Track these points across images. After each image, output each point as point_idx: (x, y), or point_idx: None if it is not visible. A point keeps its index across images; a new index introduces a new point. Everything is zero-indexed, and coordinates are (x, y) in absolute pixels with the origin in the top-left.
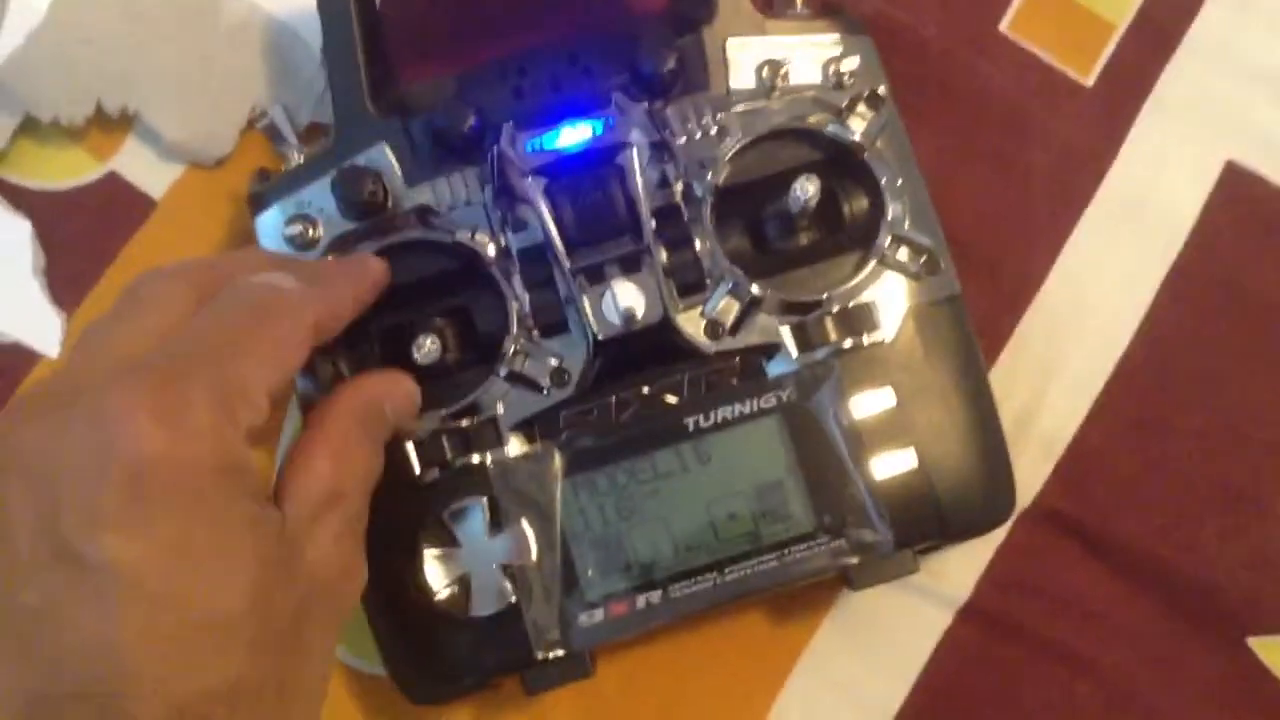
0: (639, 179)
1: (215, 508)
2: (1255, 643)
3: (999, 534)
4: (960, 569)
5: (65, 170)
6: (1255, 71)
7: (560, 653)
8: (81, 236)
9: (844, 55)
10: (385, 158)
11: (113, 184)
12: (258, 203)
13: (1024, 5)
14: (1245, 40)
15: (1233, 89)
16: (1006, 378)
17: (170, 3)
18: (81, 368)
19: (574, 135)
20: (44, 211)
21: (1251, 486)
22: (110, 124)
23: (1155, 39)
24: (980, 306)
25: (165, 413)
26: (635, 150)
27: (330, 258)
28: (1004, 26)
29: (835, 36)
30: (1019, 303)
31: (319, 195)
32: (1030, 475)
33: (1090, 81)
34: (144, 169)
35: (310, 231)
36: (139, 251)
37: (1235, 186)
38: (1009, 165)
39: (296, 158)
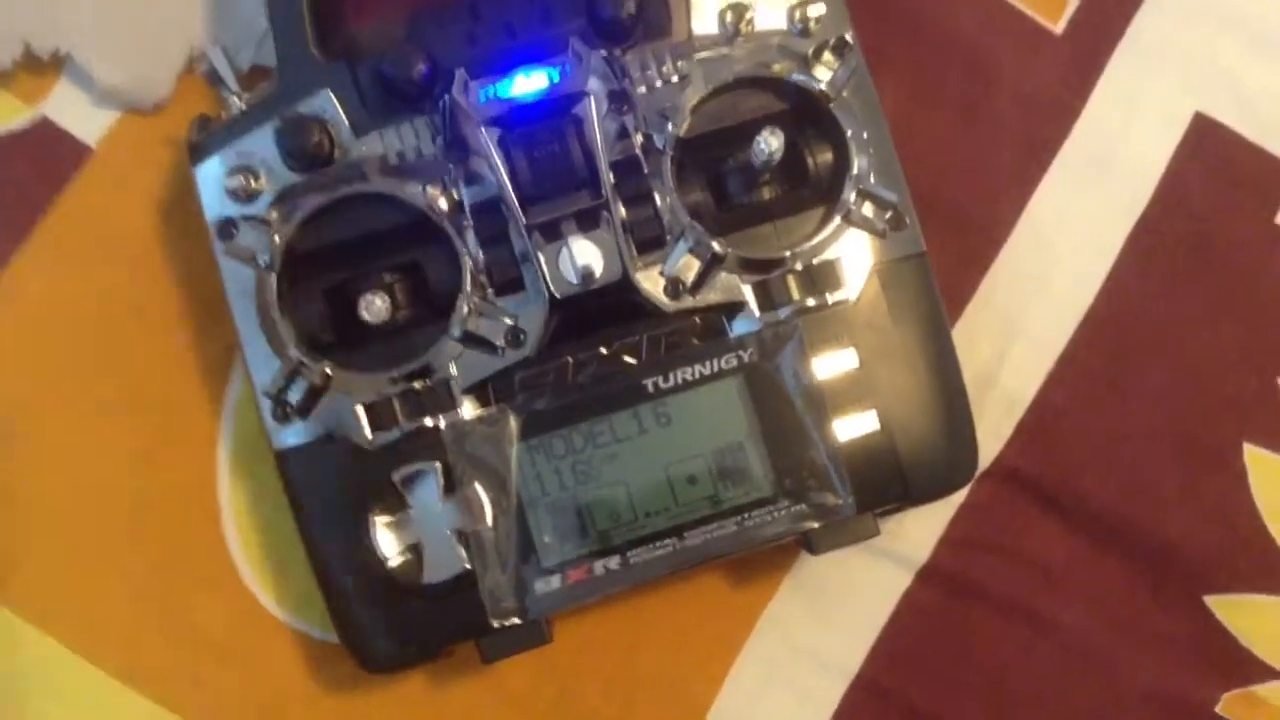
0: (597, 130)
1: None
2: (1212, 601)
3: (959, 494)
4: (920, 529)
5: None
6: (1226, 19)
7: (516, 620)
8: (11, 185)
9: (810, 0)
10: (331, 105)
11: (44, 130)
12: (198, 152)
13: None
14: None
15: (1203, 38)
16: (969, 335)
17: None
18: None
19: (529, 83)
20: None
21: (1213, 442)
22: (40, 66)
23: None
24: (943, 261)
25: None
26: (593, 100)
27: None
28: None
29: None
30: (983, 257)
31: (261, 145)
32: (991, 434)
33: (1059, 28)
34: (77, 114)
35: (252, 183)
36: (74, 201)
37: (1203, 139)
38: (974, 114)
39: (238, 104)
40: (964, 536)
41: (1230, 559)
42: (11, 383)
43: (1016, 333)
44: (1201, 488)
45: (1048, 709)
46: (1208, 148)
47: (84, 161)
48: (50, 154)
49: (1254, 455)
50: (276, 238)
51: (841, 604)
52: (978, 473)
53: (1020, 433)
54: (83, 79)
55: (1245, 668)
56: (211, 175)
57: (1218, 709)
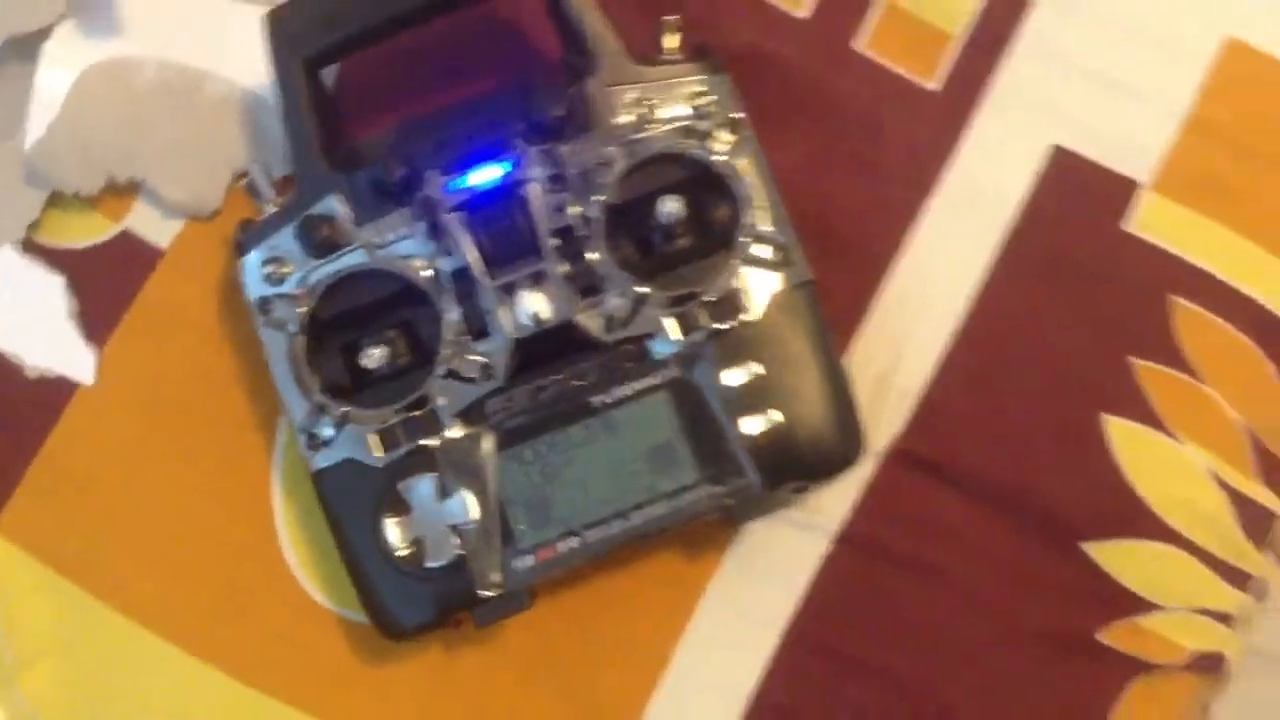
0: (539, 209)
1: None
2: (1089, 547)
3: (866, 473)
4: (835, 504)
5: (88, 232)
6: (1078, 65)
7: (499, 591)
8: (106, 284)
9: (707, 92)
10: (338, 205)
11: (127, 240)
12: (241, 249)
13: (874, 25)
14: (1069, 39)
15: (1059, 83)
16: (869, 343)
17: (162, 88)
18: None
19: (485, 175)
20: (73, 266)
21: (1077, 415)
22: (121, 191)
23: (989, 43)
24: (842, 284)
25: None
26: (535, 185)
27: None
28: (858, 45)
29: (700, 77)
30: (876, 280)
31: (287, 240)
32: (890, 423)
33: (934, 85)
34: (151, 225)
35: (282, 269)
36: (153, 292)
37: (1060, 166)
38: (866, 164)
39: (270, 209)
40: (872, 509)
41: (1101, 510)
42: (111, 438)
43: (906, 340)
44: (1071, 454)
45: (949, 649)
46: (1064, 173)
47: (158, 261)
48: (132, 258)
49: (1112, 423)
50: (302, 309)
51: (773, 569)
52: (880, 454)
53: (914, 422)
54: (153, 197)
55: (1124, 602)
56: (252, 265)
57: (1103, 639)
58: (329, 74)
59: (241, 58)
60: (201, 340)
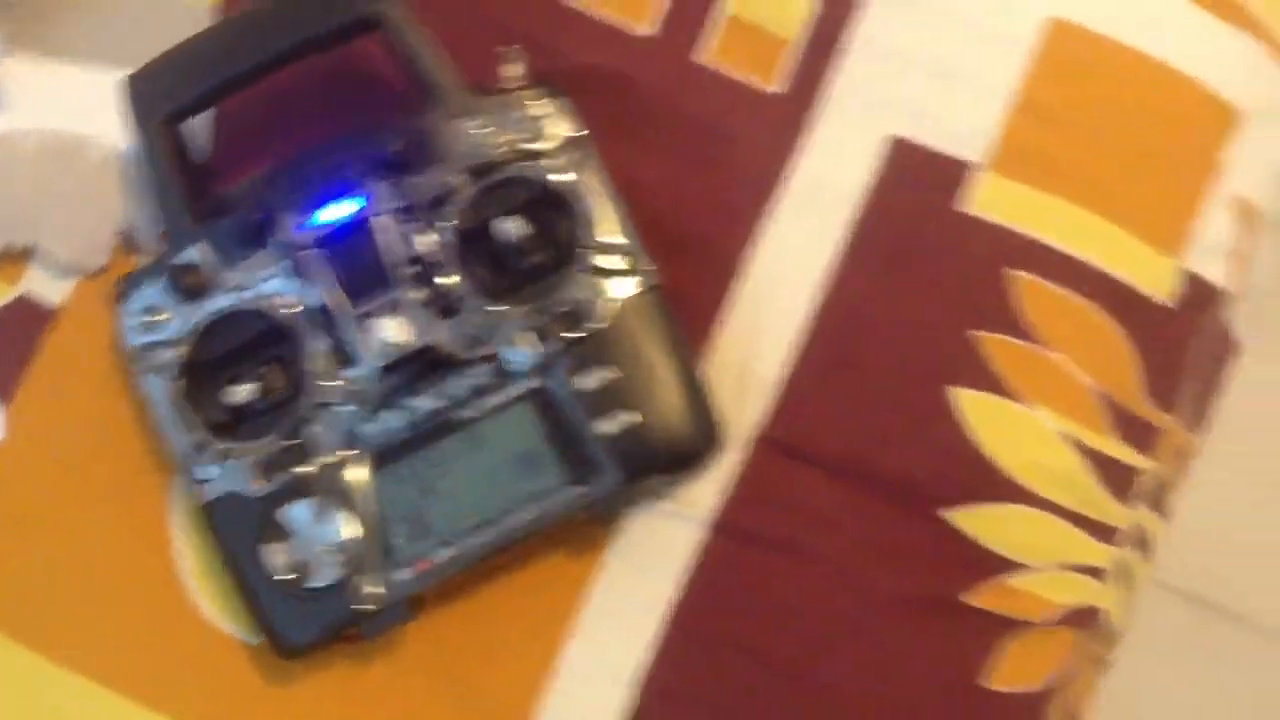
0: (389, 241)
1: None
2: (948, 514)
3: (734, 461)
4: (707, 493)
5: None
6: (910, 58)
7: (381, 605)
8: (9, 344)
9: (547, 115)
10: (205, 252)
11: (24, 302)
12: (120, 299)
13: (714, 37)
14: (900, 33)
15: (894, 76)
16: (727, 338)
17: (47, 156)
18: None
19: (336, 212)
20: None
21: (927, 390)
22: (15, 257)
23: (823, 44)
24: (700, 284)
25: None
26: (382, 218)
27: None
28: (700, 58)
29: (541, 101)
30: (729, 278)
31: (159, 288)
32: (752, 412)
33: (775, 88)
34: (47, 286)
35: (156, 317)
36: (53, 347)
37: (899, 156)
38: (715, 169)
39: (146, 260)
40: (742, 495)
41: (957, 479)
42: (22, 490)
43: (762, 332)
44: (923, 427)
45: (823, 625)
46: (902, 161)
47: (56, 319)
48: (31, 319)
49: (961, 395)
50: (178, 353)
51: (653, 561)
52: (745, 443)
53: (775, 409)
54: (47, 259)
55: (991, 564)
56: (129, 314)
57: (972, 601)
58: (206, 129)
59: (118, 121)
60: (98, 390)
